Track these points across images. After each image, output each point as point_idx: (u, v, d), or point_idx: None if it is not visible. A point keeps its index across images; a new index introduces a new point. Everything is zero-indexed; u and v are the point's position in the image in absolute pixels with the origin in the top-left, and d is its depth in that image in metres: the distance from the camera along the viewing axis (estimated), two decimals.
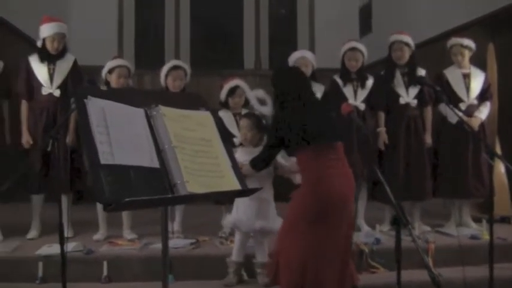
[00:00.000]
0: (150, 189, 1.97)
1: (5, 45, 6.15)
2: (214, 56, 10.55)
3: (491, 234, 3.63)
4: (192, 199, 2.20)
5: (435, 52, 5.96)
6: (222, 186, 2.19)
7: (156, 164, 2.06)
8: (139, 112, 2.15)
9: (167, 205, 2.14)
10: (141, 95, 2.43)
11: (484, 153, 4.36)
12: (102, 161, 1.88)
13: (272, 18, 10.75)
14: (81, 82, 4.89)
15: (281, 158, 3.91)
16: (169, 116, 2.19)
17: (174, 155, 2.09)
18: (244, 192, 2.29)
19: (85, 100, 1.95)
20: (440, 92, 4.16)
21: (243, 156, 3.90)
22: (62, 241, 3.22)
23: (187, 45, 10.39)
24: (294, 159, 3.77)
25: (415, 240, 2.77)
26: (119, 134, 1.99)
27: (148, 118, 2.16)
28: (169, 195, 1.95)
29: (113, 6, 9.82)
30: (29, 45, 5.41)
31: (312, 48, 10.12)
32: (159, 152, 2.11)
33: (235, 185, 2.24)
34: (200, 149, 2.23)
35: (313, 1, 10.33)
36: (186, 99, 2.47)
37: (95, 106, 1.98)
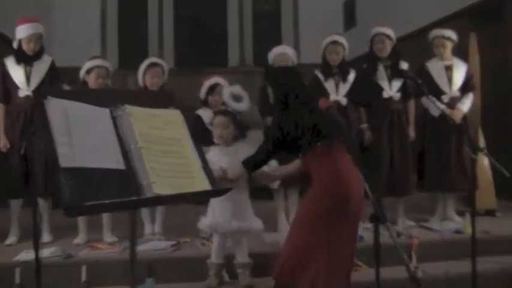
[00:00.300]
0: (114, 192, 1.90)
1: None
2: (199, 54, 10.51)
3: (473, 228, 3.58)
4: (159, 201, 2.13)
5: (420, 45, 5.91)
6: (191, 187, 2.13)
7: (121, 165, 1.99)
8: (105, 112, 2.08)
9: (132, 208, 2.06)
10: (107, 94, 2.36)
11: (467, 147, 4.32)
12: (62, 164, 1.81)
13: (256, 15, 10.74)
14: (58, 83, 4.80)
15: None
16: (136, 116, 2.12)
17: (140, 155, 2.02)
18: (215, 193, 2.22)
19: (45, 101, 1.88)
20: (422, 84, 4.10)
21: (219, 156, 3.84)
22: (37, 246, 3.16)
23: (171, 44, 10.36)
24: (274, 164, 3.74)
25: (393, 236, 2.72)
26: (82, 136, 1.92)
27: (114, 118, 2.09)
28: (134, 198, 1.88)
29: (95, 7, 9.77)
30: (9, 47, 5.30)
31: (296, 44, 10.12)
32: (125, 153, 2.03)
33: (206, 186, 2.18)
34: (169, 149, 2.16)
35: None
36: (155, 98, 2.41)
37: (56, 107, 1.90)
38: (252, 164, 3.55)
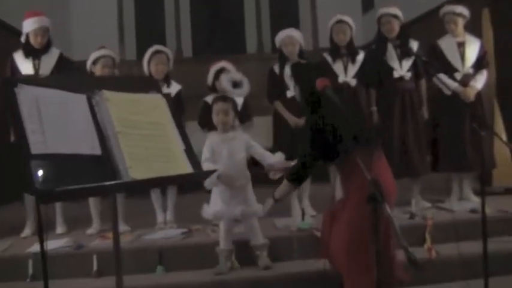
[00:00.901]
0: (89, 177, 1.89)
1: None
2: (216, 42, 10.48)
3: (483, 207, 3.48)
4: (135, 185, 2.12)
5: (438, 23, 5.77)
6: (172, 170, 2.11)
7: (98, 151, 1.98)
8: (81, 98, 2.07)
9: (107, 193, 2.05)
10: (84, 80, 2.35)
11: (474, 123, 4.20)
12: (34, 151, 1.80)
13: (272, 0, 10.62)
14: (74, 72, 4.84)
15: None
16: (114, 101, 2.11)
17: (117, 140, 2.01)
18: (197, 176, 2.19)
19: (15, 89, 1.87)
20: (428, 63, 4.01)
21: (217, 143, 3.84)
22: (41, 236, 3.17)
23: (189, 32, 10.36)
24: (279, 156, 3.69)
25: (391, 217, 2.63)
26: (54, 123, 1.91)
27: (91, 104, 2.07)
28: (107, 183, 1.86)
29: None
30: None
31: (314, 28, 10.02)
32: (103, 138, 2.02)
33: (188, 169, 2.15)
34: (149, 133, 2.15)
35: None
36: (136, 83, 2.37)
37: (27, 95, 1.90)
38: (297, 175, 3.39)
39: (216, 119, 3.99)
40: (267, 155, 3.92)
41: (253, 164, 4.09)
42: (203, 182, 3.78)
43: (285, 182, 3.41)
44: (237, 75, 4.16)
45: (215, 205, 3.99)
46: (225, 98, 4.04)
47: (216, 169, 2.47)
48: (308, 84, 3.24)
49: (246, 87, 4.53)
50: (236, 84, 4.13)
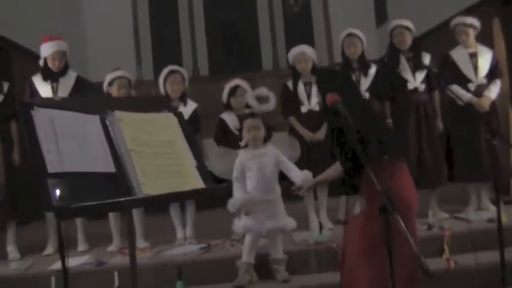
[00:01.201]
0: (104, 194, 1.96)
1: (11, 64, 6.29)
2: (232, 60, 10.60)
3: (498, 217, 3.50)
4: (148, 201, 2.18)
5: (449, 35, 5.80)
6: (184, 186, 2.17)
7: (112, 169, 2.05)
8: (95, 119, 2.15)
9: (122, 209, 2.12)
10: (98, 102, 2.43)
11: (487, 133, 4.21)
12: (50, 170, 1.88)
13: (286, 16, 10.73)
14: (88, 93, 4.96)
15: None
16: (127, 121, 2.19)
17: (131, 158, 2.08)
18: (209, 191, 2.26)
19: (31, 111, 1.96)
20: (440, 75, 4.04)
21: (248, 160, 3.91)
22: (63, 253, 3.26)
23: (205, 51, 10.48)
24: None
25: (403, 228, 2.65)
26: (69, 142, 1.99)
27: (105, 124, 2.15)
28: (121, 199, 1.93)
29: (127, 19, 9.89)
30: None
31: (329, 43, 10.07)
32: (117, 157, 2.10)
33: (200, 184, 2.22)
34: (161, 151, 2.22)
35: None
36: (148, 103, 2.45)
37: (43, 116, 1.98)
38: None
39: (247, 135, 4.07)
40: (294, 171, 3.97)
41: (282, 178, 4.14)
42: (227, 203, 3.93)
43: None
44: (263, 91, 4.23)
45: (245, 218, 4.03)
46: (253, 115, 4.14)
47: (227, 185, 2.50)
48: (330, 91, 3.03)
49: (272, 102, 4.60)
50: (261, 100, 4.20)
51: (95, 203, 1.88)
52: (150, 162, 2.12)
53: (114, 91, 4.81)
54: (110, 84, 4.85)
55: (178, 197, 2.38)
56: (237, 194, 3.98)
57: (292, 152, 4.66)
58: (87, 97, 4.88)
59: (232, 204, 3.97)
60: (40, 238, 5.10)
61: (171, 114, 2.37)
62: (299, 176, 3.86)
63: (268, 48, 10.50)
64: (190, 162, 2.27)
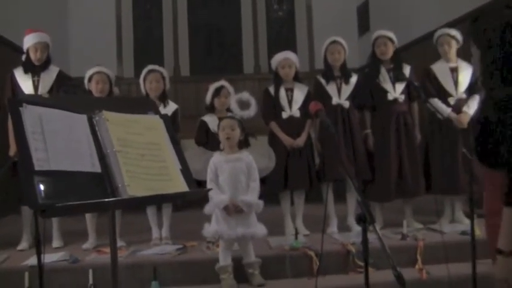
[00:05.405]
0: (89, 194, 1.96)
1: None
2: (214, 62, 10.60)
3: (472, 230, 3.57)
4: (133, 202, 2.19)
5: (432, 48, 5.89)
6: (168, 189, 2.18)
7: (97, 169, 2.05)
8: (82, 118, 2.15)
9: (106, 210, 2.13)
10: (86, 101, 2.43)
11: (464, 148, 4.29)
12: (37, 167, 1.87)
13: (270, 21, 10.77)
14: (66, 87, 4.92)
15: None
16: (113, 121, 2.19)
17: (116, 159, 2.08)
18: (191, 194, 2.27)
19: (20, 108, 1.95)
20: (418, 88, 4.11)
21: (220, 162, 3.93)
22: (39, 249, 3.26)
23: (186, 53, 10.45)
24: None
25: (380, 237, 2.70)
26: (57, 141, 1.98)
27: (92, 124, 2.16)
28: (106, 199, 1.94)
29: (111, 18, 9.82)
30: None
31: (311, 50, 10.12)
32: (103, 156, 2.10)
33: (184, 187, 2.23)
34: (146, 153, 2.21)
35: (311, 2, 10.31)
36: (134, 104, 2.46)
37: (31, 114, 1.97)
38: None
39: (221, 134, 4.08)
40: (250, 188, 4.04)
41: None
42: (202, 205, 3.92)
43: None
44: (245, 96, 4.25)
45: (216, 224, 4.04)
46: (231, 117, 4.16)
47: (211, 188, 2.51)
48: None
49: (253, 108, 4.63)
50: (243, 105, 4.21)
51: (80, 202, 1.88)
52: (135, 164, 2.12)
53: (93, 86, 4.81)
54: (90, 80, 4.84)
55: (163, 199, 2.39)
56: (216, 196, 3.99)
57: (269, 162, 4.70)
58: (68, 92, 4.86)
59: (208, 208, 3.98)
60: (15, 232, 5.06)
61: (157, 117, 2.38)
62: (249, 197, 3.96)
63: (250, 52, 10.51)
64: (175, 165, 2.27)
